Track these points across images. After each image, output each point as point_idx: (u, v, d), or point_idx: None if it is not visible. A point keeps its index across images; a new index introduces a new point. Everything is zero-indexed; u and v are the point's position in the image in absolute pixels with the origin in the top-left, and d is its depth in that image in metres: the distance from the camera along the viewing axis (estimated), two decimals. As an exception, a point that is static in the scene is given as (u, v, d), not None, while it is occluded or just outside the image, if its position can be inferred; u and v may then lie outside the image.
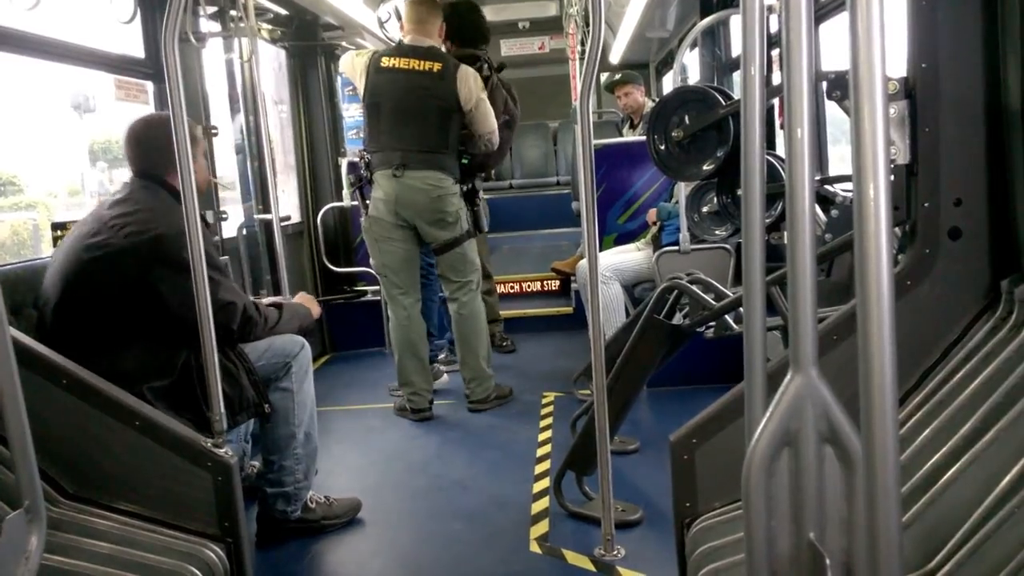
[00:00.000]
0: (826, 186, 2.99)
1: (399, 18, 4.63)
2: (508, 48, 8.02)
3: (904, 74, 1.76)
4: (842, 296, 2.55)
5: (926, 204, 1.77)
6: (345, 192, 5.04)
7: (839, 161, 3.82)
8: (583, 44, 5.23)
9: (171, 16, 1.84)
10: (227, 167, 4.16)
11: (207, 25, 3.77)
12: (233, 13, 3.79)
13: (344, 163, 5.09)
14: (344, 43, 5.37)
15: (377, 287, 4.99)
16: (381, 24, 4.75)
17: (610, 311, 3.88)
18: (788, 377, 0.87)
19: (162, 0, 1.91)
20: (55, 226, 2.85)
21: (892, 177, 1.81)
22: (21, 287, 2.30)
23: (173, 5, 1.83)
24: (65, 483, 1.92)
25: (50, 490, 1.85)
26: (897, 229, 1.91)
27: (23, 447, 1.34)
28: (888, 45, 0.79)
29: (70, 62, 3.17)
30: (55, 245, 2.83)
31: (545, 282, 5.71)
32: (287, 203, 4.88)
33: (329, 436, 3.48)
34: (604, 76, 5.87)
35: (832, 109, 2.85)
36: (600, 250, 4.15)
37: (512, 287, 5.66)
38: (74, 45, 3.08)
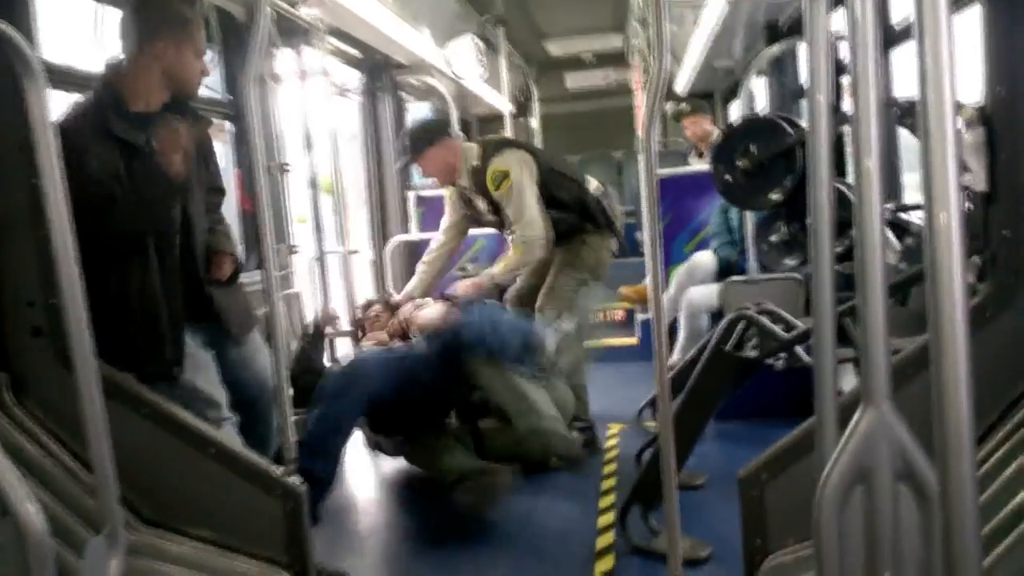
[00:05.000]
0: (901, 214, 2.91)
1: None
2: (573, 81, 8.10)
3: (981, 100, 1.71)
4: (920, 327, 2.47)
5: (1005, 232, 1.70)
6: (412, 225, 5.15)
7: (915, 188, 3.71)
8: (647, 75, 5.25)
9: (249, 60, 1.92)
10: (301, 202, 4.28)
11: (283, 66, 3.92)
12: (307, 54, 3.93)
13: (412, 196, 5.21)
14: (413, 80, 5.52)
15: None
16: (448, 63, 4.86)
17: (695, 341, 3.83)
18: (860, 411, 0.85)
19: (241, 44, 2.00)
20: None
21: (970, 205, 1.76)
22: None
23: (251, 49, 1.91)
24: (142, 508, 1.99)
25: (128, 515, 1.91)
26: (977, 258, 1.84)
27: (105, 475, 1.40)
28: (964, 72, 0.78)
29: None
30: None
31: (609, 312, 5.67)
32: (356, 236, 5.00)
33: (390, 464, 3.50)
34: (669, 106, 5.86)
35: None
36: (666, 282, 4.13)
37: (577, 317, 5.63)
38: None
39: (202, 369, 2.25)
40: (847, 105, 3.24)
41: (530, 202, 3.36)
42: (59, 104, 2.15)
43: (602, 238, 3.55)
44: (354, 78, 5.07)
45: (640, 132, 2.18)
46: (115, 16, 2.34)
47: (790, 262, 3.11)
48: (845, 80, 3.50)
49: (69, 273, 1.40)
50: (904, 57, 3.35)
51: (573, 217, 3.50)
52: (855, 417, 0.85)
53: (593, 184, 3.57)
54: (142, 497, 1.98)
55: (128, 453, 1.88)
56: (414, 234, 5.12)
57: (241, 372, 2.42)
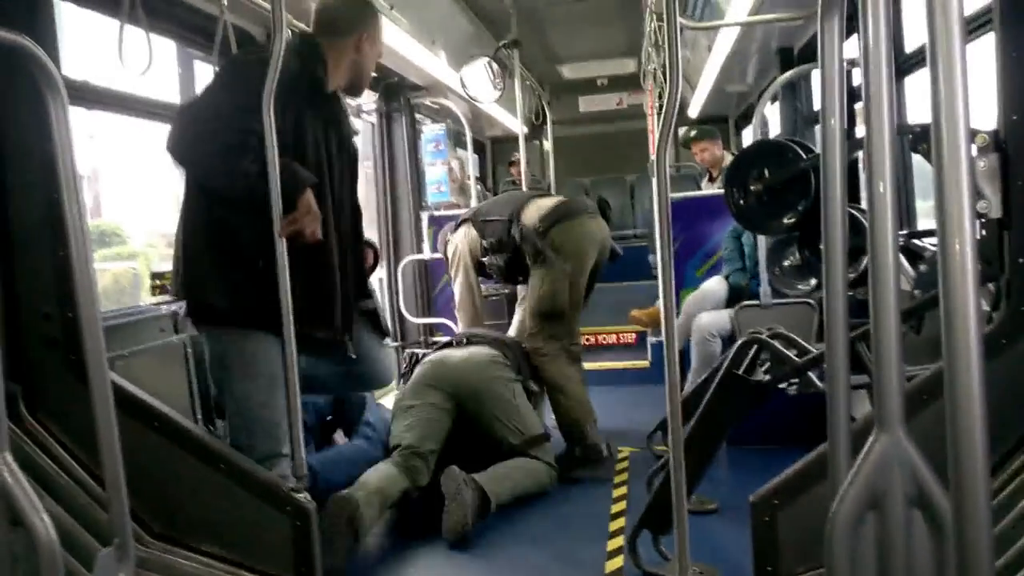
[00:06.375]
0: (914, 240, 2.90)
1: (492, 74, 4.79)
2: (586, 104, 8.13)
3: (995, 127, 1.71)
4: (935, 354, 2.45)
5: (1021, 260, 1.70)
6: (425, 245, 5.17)
7: (928, 215, 3.70)
8: (661, 99, 5.27)
9: (268, 79, 1.94)
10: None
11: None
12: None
13: (425, 217, 5.23)
14: (428, 101, 5.56)
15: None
16: (463, 85, 4.89)
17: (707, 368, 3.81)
18: (873, 437, 0.85)
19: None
20: (154, 276, 2.99)
21: (983, 232, 1.75)
22: (122, 334, 2.42)
23: (270, 68, 1.94)
24: (152, 522, 1.99)
25: (138, 529, 1.92)
26: (991, 285, 1.83)
27: (116, 488, 1.41)
28: (977, 98, 0.78)
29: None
30: (153, 294, 2.97)
31: (621, 335, 5.66)
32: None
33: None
34: (681, 130, 5.88)
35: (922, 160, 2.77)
36: (678, 304, 4.12)
37: (587, 339, 5.62)
38: (176, 105, 3.28)
39: (279, 390, 2.15)
40: (860, 131, 3.24)
41: (455, 289, 3.93)
42: (79, 120, 2.20)
43: (543, 269, 3.50)
44: (369, 99, 5.11)
45: (653, 155, 2.19)
46: (137, 34, 2.39)
47: (803, 287, 3.09)
48: (858, 106, 3.51)
49: (86, 286, 1.42)
50: (918, 83, 3.35)
51: (501, 259, 3.63)
52: (868, 443, 0.85)
53: (547, 203, 3.59)
54: (152, 511, 1.99)
55: (139, 466, 1.89)
56: (427, 254, 5.14)
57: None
